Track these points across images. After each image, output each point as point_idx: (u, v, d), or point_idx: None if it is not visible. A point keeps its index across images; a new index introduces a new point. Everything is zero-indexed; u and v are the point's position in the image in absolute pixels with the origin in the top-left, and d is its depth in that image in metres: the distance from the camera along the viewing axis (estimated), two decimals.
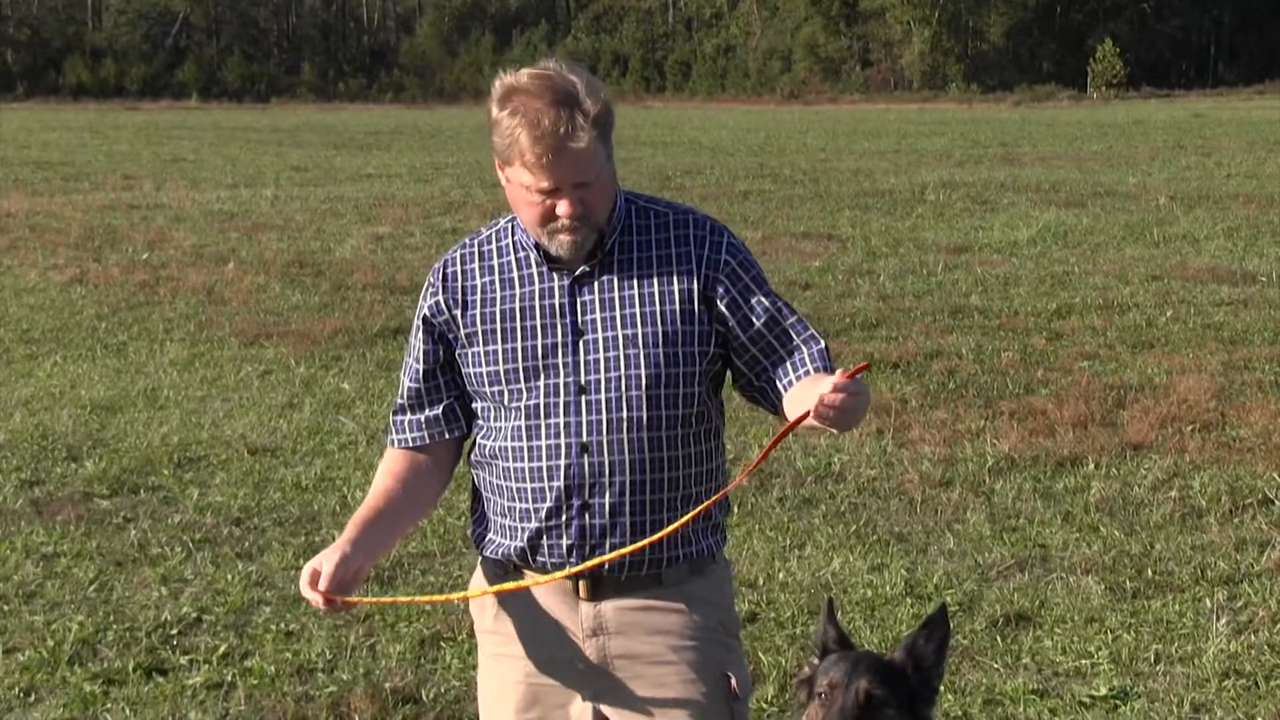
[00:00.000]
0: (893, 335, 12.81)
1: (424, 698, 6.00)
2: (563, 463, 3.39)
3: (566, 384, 3.39)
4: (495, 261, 3.47)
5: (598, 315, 3.39)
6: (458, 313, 3.47)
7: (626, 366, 3.38)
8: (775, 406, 3.46)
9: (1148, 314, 13.55)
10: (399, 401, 3.59)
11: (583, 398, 3.38)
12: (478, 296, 3.46)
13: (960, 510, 8.19)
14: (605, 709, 3.54)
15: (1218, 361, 11.44)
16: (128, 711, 5.92)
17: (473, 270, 3.48)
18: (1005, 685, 6.04)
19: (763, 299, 3.44)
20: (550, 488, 3.41)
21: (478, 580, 3.66)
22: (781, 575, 7.15)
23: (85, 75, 72.93)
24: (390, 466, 3.58)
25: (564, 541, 3.44)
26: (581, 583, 3.47)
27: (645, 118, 55.47)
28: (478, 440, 3.55)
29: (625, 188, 3.51)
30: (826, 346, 3.49)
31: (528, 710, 3.57)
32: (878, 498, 8.44)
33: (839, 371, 3.18)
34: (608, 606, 3.48)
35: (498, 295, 3.45)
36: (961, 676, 6.13)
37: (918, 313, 13.82)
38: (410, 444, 3.56)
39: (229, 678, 6.22)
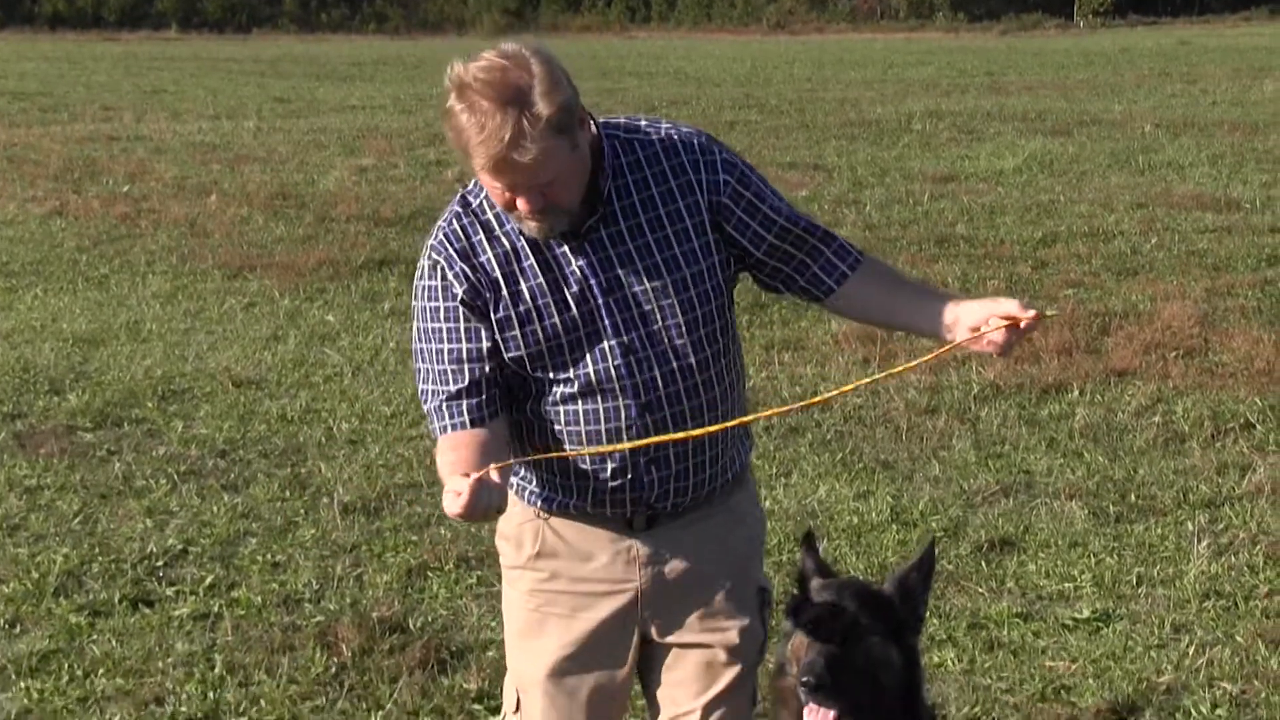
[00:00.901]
0: None
1: (411, 627, 6.02)
2: (623, 424, 3.37)
3: (612, 347, 3.32)
4: (499, 231, 3.31)
5: (619, 271, 3.29)
6: (487, 295, 3.30)
7: (665, 317, 3.33)
8: (794, 294, 3.46)
9: (1132, 241, 13.55)
10: (437, 388, 3.33)
11: (631, 358, 3.33)
12: (498, 274, 3.29)
13: (946, 437, 8.21)
14: (654, 633, 3.56)
15: (1201, 288, 11.46)
16: (114, 642, 5.94)
17: (481, 243, 3.31)
18: (989, 609, 6.08)
19: (768, 212, 3.37)
20: (611, 440, 3.38)
21: (508, 523, 3.60)
22: (768, 503, 7.18)
23: (62, 4, 72.22)
24: (458, 438, 3.30)
25: (628, 495, 3.45)
26: (636, 517, 3.48)
27: (630, 48, 55.13)
28: (520, 399, 3.43)
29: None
30: (843, 242, 3.45)
31: (575, 643, 3.56)
32: (864, 425, 8.46)
33: (1027, 311, 3.19)
34: (659, 533, 3.50)
35: (516, 270, 3.29)
36: (947, 601, 6.18)
37: (904, 242, 13.81)
38: (465, 425, 3.31)
39: (215, 608, 6.24)
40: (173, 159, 21.05)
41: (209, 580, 6.51)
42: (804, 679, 3.30)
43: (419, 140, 22.57)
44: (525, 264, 3.29)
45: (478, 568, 6.59)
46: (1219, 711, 5.21)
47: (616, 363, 3.33)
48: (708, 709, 3.55)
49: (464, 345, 3.32)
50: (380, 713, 5.38)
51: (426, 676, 5.60)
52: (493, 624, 5.87)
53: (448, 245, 3.33)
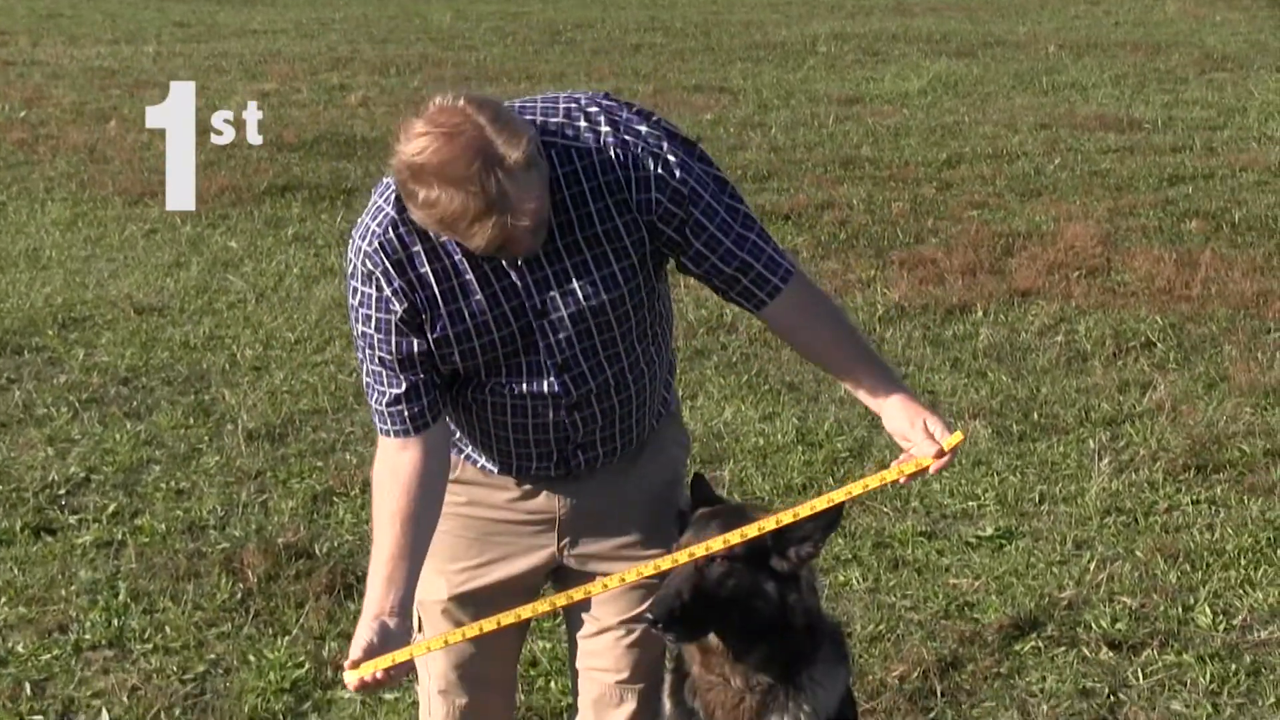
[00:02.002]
0: (784, 187, 12.79)
1: (317, 552, 5.99)
2: (552, 419, 3.33)
3: (547, 366, 3.26)
4: (437, 243, 3.13)
5: (555, 291, 3.18)
6: (424, 315, 3.17)
7: (600, 333, 3.25)
8: (730, 302, 3.36)
9: (1036, 162, 13.62)
10: (377, 387, 3.24)
11: (566, 375, 3.28)
12: (436, 291, 3.15)
13: None
14: (572, 562, 3.54)
15: (1104, 208, 11.54)
16: (16, 570, 5.85)
17: (419, 255, 3.13)
18: (894, 528, 6.13)
19: (710, 235, 3.19)
20: (540, 439, 3.37)
21: None
22: None
23: None
24: (399, 475, 3.24)
25: (551, 466, 3.44)
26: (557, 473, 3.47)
27: None
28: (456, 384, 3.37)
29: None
30: (789, 267, 3.27)
31: (484, 568, 3.53)
32: (769, 348, 8.46)
33: (945, 443, 3.16)
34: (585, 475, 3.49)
35: (455, 286, 3.15)
36: (852, 521, 6.21)
37: (809, 164, 13.80)
38: (406, 433, 3.24)
39: (119, 536, 6.16)
40: (70, 84, 20.58)
41: (112, 508, 6.43)
42: (647, 614, 3.27)
43: (321, 65, 22.23)
44: (465, 279, 3.16)
45: None
46: (1119, 625, 5.28)
47: (551, 379, 3.28)
48: (628, 625, 3.55)
49: (403, 354, 3.21)
50: (286, 638, 5.35)
51: (333, 601, 5.56)
52: None
53: (384, 257, 3.13)
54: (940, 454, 3.17)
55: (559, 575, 3.65)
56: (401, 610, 3.21)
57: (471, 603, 3.54)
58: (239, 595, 5.67)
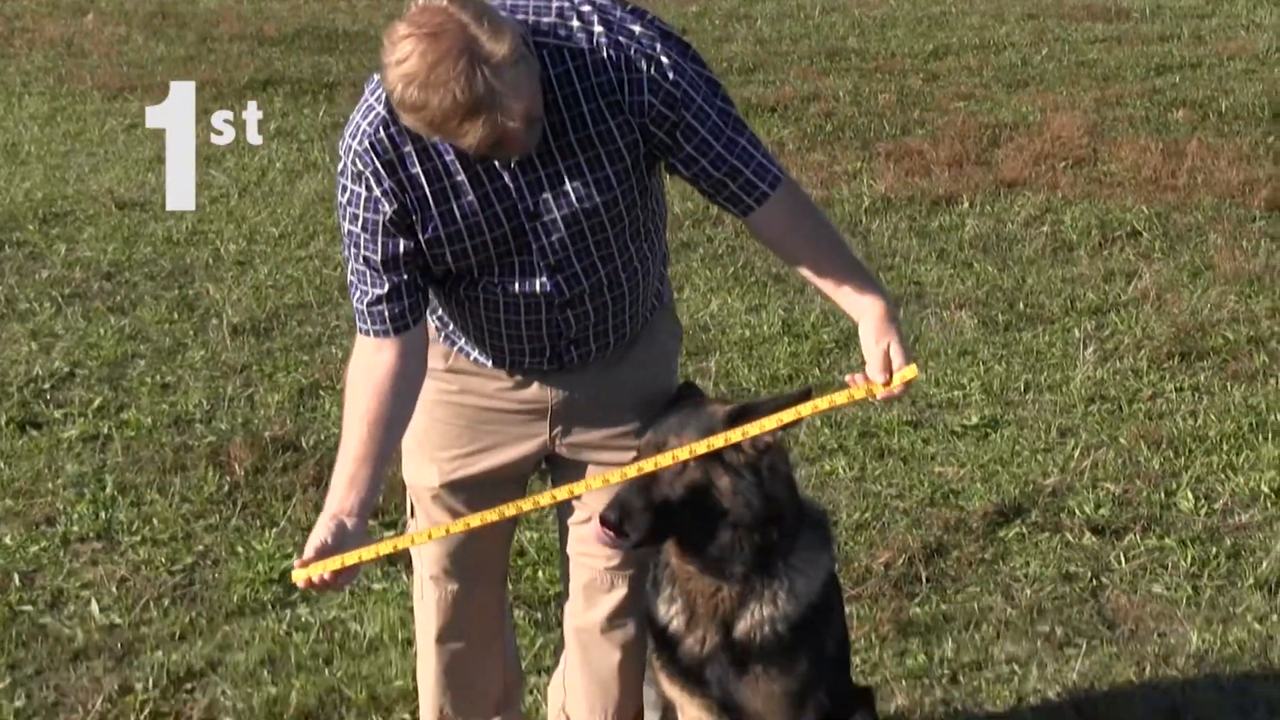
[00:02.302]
0: (770, 79, 12.70)
1: (304, 445, 6.00)
2: (544, 317, 3.32)
3: (540, 267, 3.24)
4: (428, 141, 3.08)
5: (548, 194, 3.15)
6: (415, 216, 3.14)
7: (593, 234, 3.22)
8: (718, 205, 3.33)
9: (1023, 53, 13.54)
10: (361, 285, 3.20)
11: (559, 276, 3.26)
12: (427, 191, 3.12)
13: None
14: (564, 451, 3.54)
15: (1091, 98, 11.49)
16: (2, 464, 5.86)
17: (410, 156, 3.10)
18: (880, 418, 6.14)
19: (701, 139, 3.16)
20: (532, 335, 3.36)
21: None
22: None
23: None
24: (372, 376, 3.21)
25: (544, 361, 3.42)
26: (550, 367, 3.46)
27: None
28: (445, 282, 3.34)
29: None
30: (777, 174, 3.23)
31: (477, 457, 3.53)
32: (755, 240, 8.42)
33: (896, 377, 3.14)
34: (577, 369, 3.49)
35: (447, 186, 3.12)
36: (837, 411, 6.21)
37: (795, 56, 13.70)
38: (386, 333, 3.21)
39: (105, 430, 6.16)
40: None
41: (97, 402, 6.42)
42: (600, 520, 3.25)
43: None
44: (457, 179, 3.12)
45: None
46: (1102, 511, 5.32)
47: (543, 279, 3.26)
48: None
49: (388, 255, 3.17)
50: (274, 529, 5.37)
51: (320, 494, 5.51)
52: None
53: (374, 157, 3.08)
54: (889, 383, 3.14)
55: (551, 464, 3.65)
56: (360, 512, 3.18)
57: (463, 490, 3.55)
58: (226, 488, 5.68)
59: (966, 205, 8.95)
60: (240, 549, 5.26)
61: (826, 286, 3.29)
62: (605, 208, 3.20)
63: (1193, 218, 8.51)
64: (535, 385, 3.48)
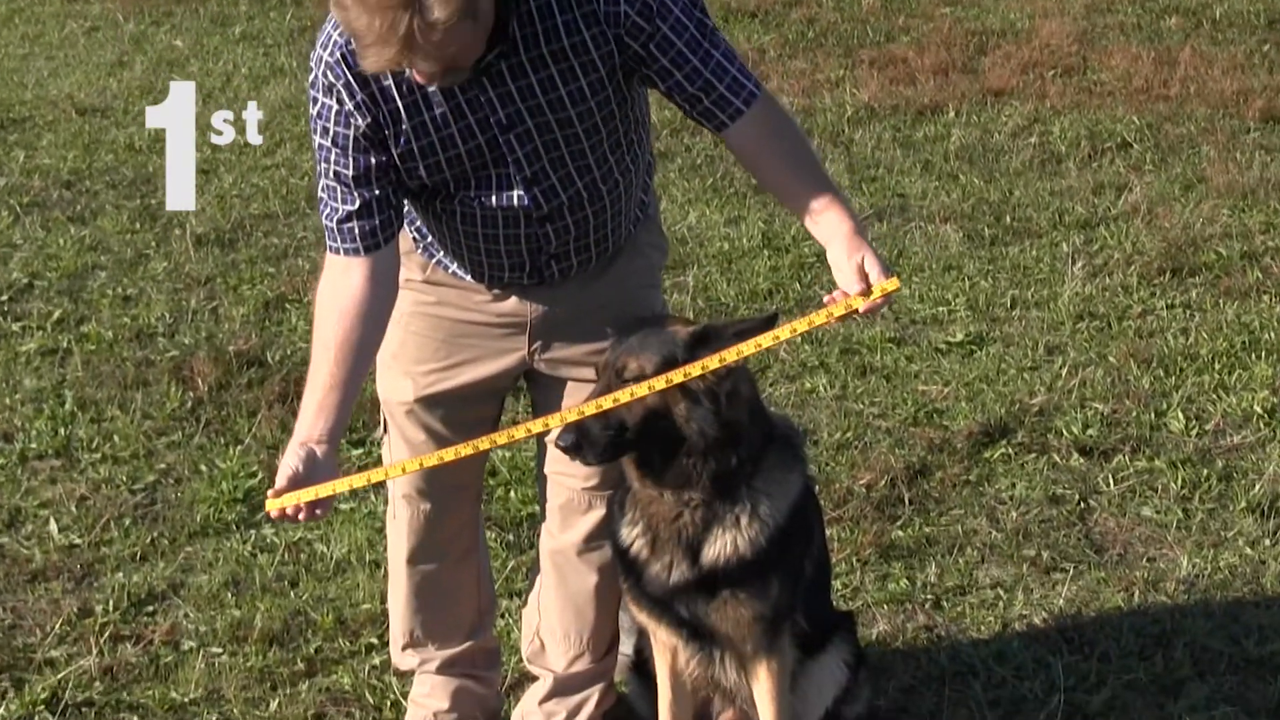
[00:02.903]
0: None
1: (269, 360, 5.93)
2: (523, 231, 3.28)
3: (516, 180, 3.20)
4: None
5: (521, 105, 3.11)
6: (388, 130, 3.10)
7: (568, 145, 3.19)
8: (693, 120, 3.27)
9: None
10: (331, 202, 3.16)
11: (535, 189, 3.22)
12: (399, 105, 3.08)
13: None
14: (543, 367, 3.50)
15: (1080, 4, 11.32)
16: None
17: (353, 77, 3.05)
18: (862, 334, 6.07)
19: (677, 53, 3.12)
20: (511, 250, 3.32)
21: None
22: None
23: None
24: (339, 299, 3.16)
25: (524, 275, 3.39)
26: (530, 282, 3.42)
27: None
28: (421, 197, 3.31)
29: None
30: (753, 90, 3.18)
31: (454, 371, 3.48)
32: None
33: (875, 289, 3.02)
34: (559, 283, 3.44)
35: (419, 99, 3.08)
36: (819, 328, 6.13)
37: None
38: (356, 251, 3.16)
39: (65, 344, 6.08)
40: None
41: (56, 315, 6.33)
42: (557, 441, 3.19)
43: None
44: (428, 91, 3.07)
45: None
46: (1090, 431, 5.27)
47: (520, 193, 3.22)
48: None
49: (360, 170, 3.13)
50: (239, 447, 5.31)
51: (286, 410, 5.50)
52: None
53: (345, 69, 3.04)
54: (867, 293, 3.04)
55: (529, 380, 3.61)
56: (330, 439, 3.13)
57: (438, 405, 3.51)
58: (189, 404, 5.61)
59: (952, 115, 8.84)
60: (204, 467, 5.19)
61: (795, 206, 3.22)
62: (579, 119, 3.15)
63: (1185, 129, 8.41)
64: (514, 299, 3.44)
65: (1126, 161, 8.01)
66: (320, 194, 3.20)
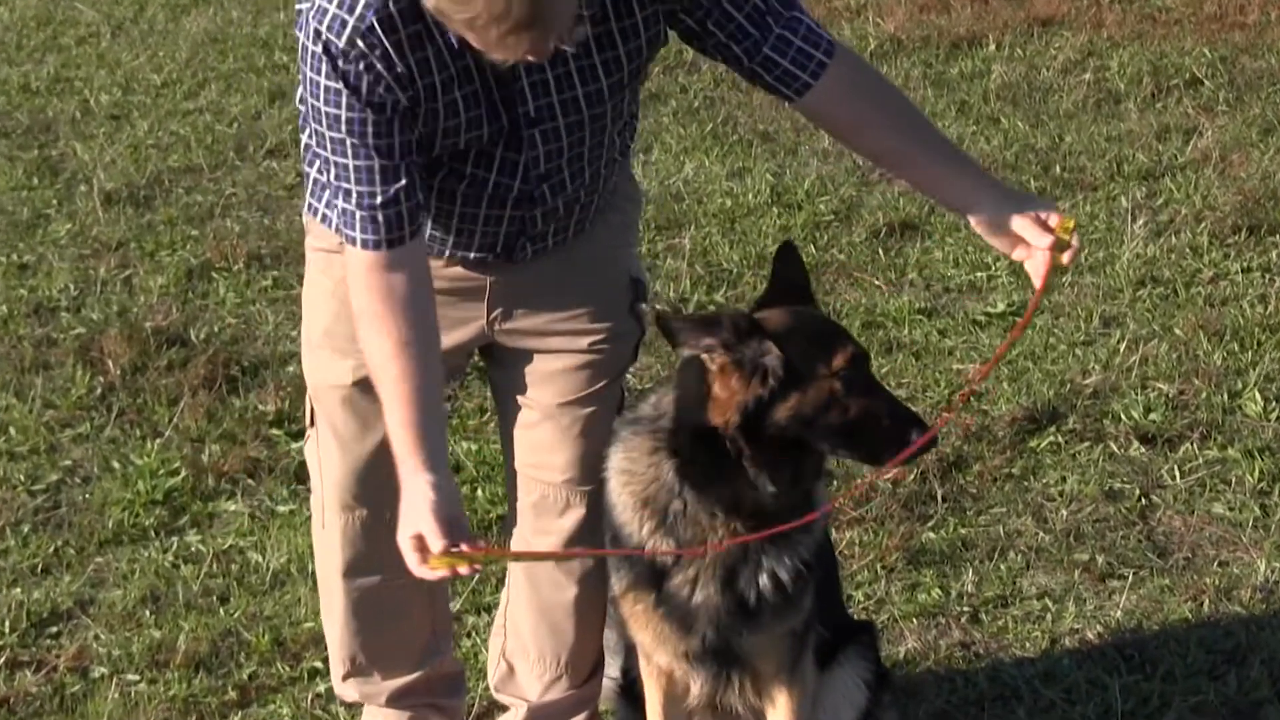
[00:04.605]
0: None
1: (193, 339, 5.97)
2: (509, 214, 3.36)
3: (530, 175, 3.29)
4: (432, 21, 3.06)
5: (556, 97, 3.21)
6: (422, 108, 3.15)
7: (591, 138, 3.30)
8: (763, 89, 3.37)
9: None
10: (352, 189, 3.18)
11: (545, 185, 3.32)
12: (435, 80, 3.12)
13: None
14: (504, 338, 3.54)
15: None
16: None
17: (418, 36, 3.06)
18: (888, 305, 6.12)
19: (730, 32, 3.23)
20: (487, 230, 3.38)
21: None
22: None
23: None
24: (395, 295, 3.20)
25: (491, 254, 3.44)
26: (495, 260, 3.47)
27: None
28: None
29: None
30: (830, 39, 3.28)
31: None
32: (738, 90, 8.37)
33: (1062, 233, 3.13)
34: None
35: (454, 74, 3.13)
36: (837, 296, 6.21)
37: None
38: (408, 235, 3.20)
39: None
40: None
41: None
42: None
43: None
44: (461, 65, 3.12)
45: (273, 267, 6.50)
46: (1153, 416, 5.31)
47: (529, 186, 3.30)
48: (575, 408, 3.57)
49: (402, 146, 3.16)
50: (158, 440, 5.34)
51: (213, 397, 5.54)
52: (293, 333, 5.79)
53: (383, 36, 3.06)
54: (1061, 245, 3.14)
55: (488, 357, 3.65)
56: (444, 460, 3.19)
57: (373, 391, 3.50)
58: (99, 390, 5.64)
59: (993, 48, 8.88)
60: (116, 464, 5.23)
61: (914, 173, 3.34)
62: (610, 111, 3.26)
63: (1265, 62, 8.45)
64: (474, 262, 3.48)
65: (1196, 101, 8.05)
66: (340, 185, 3.18)
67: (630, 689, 3.83)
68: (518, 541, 3.74)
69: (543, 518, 3.66)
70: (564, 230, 3.45)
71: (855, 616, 4.11)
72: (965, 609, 4.48)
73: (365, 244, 3.18)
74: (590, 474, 3.56)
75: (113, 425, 5.44)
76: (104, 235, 6.83)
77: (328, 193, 3.30)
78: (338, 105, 3.11)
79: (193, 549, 4.83)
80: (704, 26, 3.21)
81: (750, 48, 3.23)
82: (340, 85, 3.08)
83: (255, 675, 4.31)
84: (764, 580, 3.38)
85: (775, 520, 3.30)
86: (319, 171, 3.32)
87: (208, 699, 4.22)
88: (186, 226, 6.95)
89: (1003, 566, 4.64)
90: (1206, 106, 7.98)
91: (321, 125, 3.14)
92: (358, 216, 3.17)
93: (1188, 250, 6.49)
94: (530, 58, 2.96)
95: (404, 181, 3.16)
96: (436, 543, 3.07)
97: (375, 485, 3.60)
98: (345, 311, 3.44)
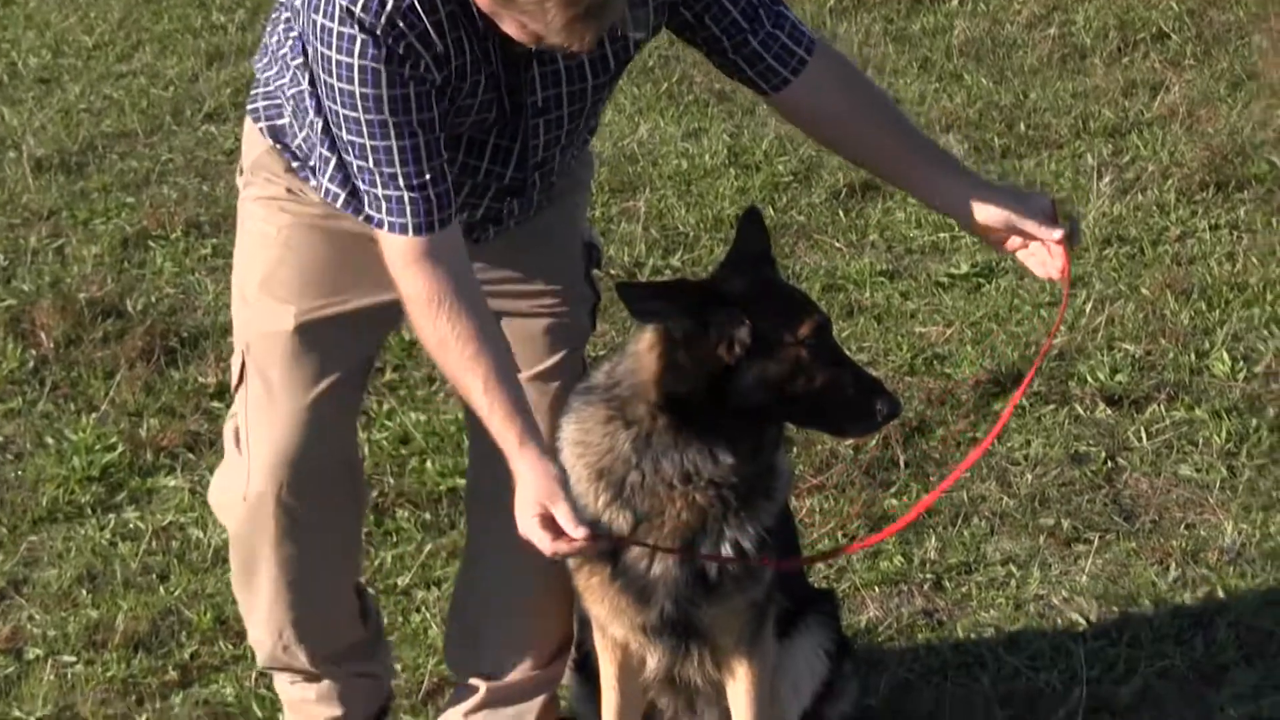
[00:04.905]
0: None
1: (129, 309, 5.95)
2: (486, 204, 3.43)
3: (512, 150, 3.34)
4: (456, 4, 3.12)
5: (562, 89, 3.29)
6: (451, 88, 3.19)
7: (581, 128, 3.42)
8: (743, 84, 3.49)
9: None
10: (417, 169, 3.18)
11: (536, 173, 3.40)
12: (465, 62, 3.16)
13: None
14: None
15: None
16: None
17: (452, 17, 3.12)
18: (849, 267, 6.13)
19: (722, 27, 3.34)
20: (470, 201, 3.41)
21: (258, 148, 3.51)
22: None
23: None
24: (463, 282, 3.22)
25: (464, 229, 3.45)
26: None
27: None
28: None
29: None
30: (811, 35, 3.40)
31: (338, 289, 3.48)
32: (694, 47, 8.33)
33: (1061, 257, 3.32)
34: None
35: (478, 58, 3.17)
36: (797, 259, 6.21)
37: None
38: (453, 214, 3.24)
39: None
40: None
41: None
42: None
43: None
44: (482, 49, 3.17)
45: (213, 234, 6.48)
46: (1119, 377, 5.34)
47: (522, 174, 3.38)
48: (544, 379, 3.60)
49: (433, 115, 3.17)
50: (93, 415, 5.32)
51: (151, 370, 5.53)
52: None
53: (423, 15, 3.09)
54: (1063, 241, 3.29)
55: None
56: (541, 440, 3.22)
57: (320, 337, 3.49)
58: (31, 364, 5.62)
59: (955, 3, 8.87)
60: (50, 439, 5.22)
61: (900, 170, 3.46)
62: (601, 101, 3.38)
63: (1232, 15, 8.46)
64: None
65: (1163, 55, 8.07)
66: (381, 168, 3.16)
67: (585, 663, 3.82)
68: (478, 511, 3.74)
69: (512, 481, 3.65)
70: (526, 209, 3.49)
71: (816, 585, 4.12)
72: (928, 576, 4.50)
73: (418, 228, 3.17)
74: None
75: (46, 399, 5.43)
76: (34, 203, 6.80)
77: (356, 178, 3.25)
78: (376, 84, 3.10)
79: (131, 526, 4.82)
80: (700, 20, 3.31)
81: (740, 41, 3.34)
82: (380, 65, 3.08)
83: (197, 654, 4.31)
84: (726, 550, 3.39)
85: (735, 491, 3.33)
86: (345, 154, 3.25)
87: (147, 679, 4.22)
88: (121, 194, 6.92)
89: (966, 532, 4.67)
90: (1174, 61, 8.01)
91: (356, 110, 3.12)
92: (407, 199, 3.17)
93: (1154, 208, 6.52)
94: (583, 48, 3.00)
95: (445, 156, 3.19)
96: (577, 529, 3.10)
97: (310, 442, 3.57)
98: (290, 256, 3.46)
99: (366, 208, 3.22)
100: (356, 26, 3.06)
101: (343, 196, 3.34)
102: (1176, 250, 6.18)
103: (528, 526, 3.12)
